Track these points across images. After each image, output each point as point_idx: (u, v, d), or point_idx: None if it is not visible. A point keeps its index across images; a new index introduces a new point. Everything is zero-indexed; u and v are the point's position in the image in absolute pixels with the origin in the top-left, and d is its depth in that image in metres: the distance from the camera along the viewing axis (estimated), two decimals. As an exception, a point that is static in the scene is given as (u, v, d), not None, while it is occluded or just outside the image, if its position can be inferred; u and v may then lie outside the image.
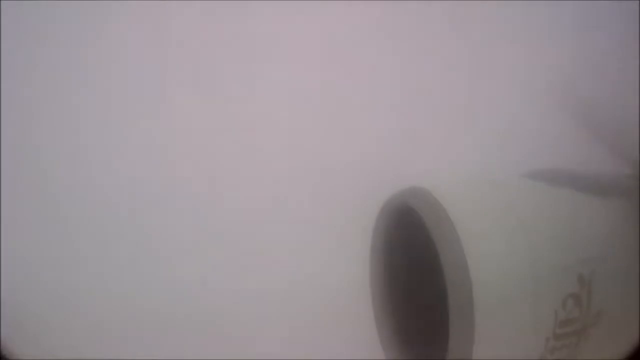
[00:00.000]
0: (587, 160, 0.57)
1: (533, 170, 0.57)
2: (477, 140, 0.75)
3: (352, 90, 0.78)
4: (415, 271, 0.57)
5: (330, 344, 0.71)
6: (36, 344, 0.70)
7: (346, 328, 0.70)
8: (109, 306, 0.75)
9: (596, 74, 0.72)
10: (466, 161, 0.74)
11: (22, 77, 0.78)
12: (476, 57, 0.77)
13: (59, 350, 0.71)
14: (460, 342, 0.50)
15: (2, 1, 0.76)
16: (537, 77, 0.73)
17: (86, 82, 0.80)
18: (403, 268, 0.58)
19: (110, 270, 0.76)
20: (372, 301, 0.60)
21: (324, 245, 0.75)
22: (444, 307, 0.50)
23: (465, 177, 0.56)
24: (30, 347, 0.67)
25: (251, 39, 0.80)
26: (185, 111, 0.80)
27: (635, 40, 0.73)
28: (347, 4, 0.80)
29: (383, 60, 0.79)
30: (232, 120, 0.80)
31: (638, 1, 0.74)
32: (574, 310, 0.52)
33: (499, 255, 0.51)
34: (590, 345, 0.53)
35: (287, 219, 0.77)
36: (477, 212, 0.52)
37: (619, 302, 0.54)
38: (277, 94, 0.80)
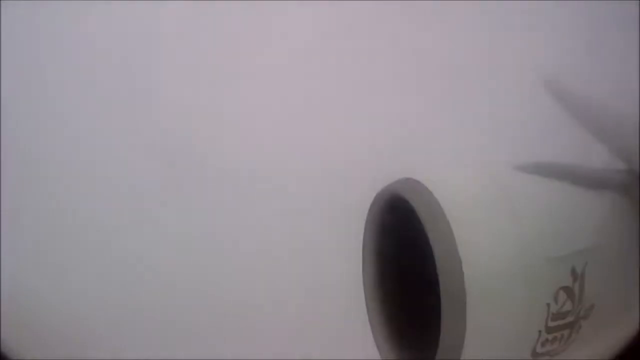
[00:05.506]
0: (582, 153, 0.57)
1: (527, 163, 0.57)
2: (471, 132, 0.75)
3: (349, 83, 0.78)
4: (407, 262, 0.57)
5: (323, 334, 0.71)
6: (36, 344, 0.70)
7: (338, 319, 0.70)
8: (109, 306, 0.75)
9: (594, 68, 0.72)
10: (459, 153, 0.74)
11: (20, 77, 0.78)
12: (472, 50, 0.77)
13: (59, 350, 0.71)
14: (452, 331, 0.50)
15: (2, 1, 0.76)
16: (532, 70, 0.73)
17: (86, 81, 0.80)
18: (395, 258, 0.58)
19: (111, 270, 0.76)
20: (364, 291, 0.60)
21: (316, 236, 0.75)
22: (436, 297, 0.50)
23: (458, 169, 0.56)
24: (30, 347, 0.67)
25: (249, 33, 0.81)
26: (181, 110, 0.80)
27: (635, 37, 0.73)
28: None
29: (379, 55, 0.79)
30: (230, 115, 0.80)
31: (638, 1, 0.74)
32: (566, 303, 0.52)
33: (491, 246, 0.51)
34: (582, 338, 0.53)
35: (283, 211, 0.77)
36: (469, 203, 0.52)
37: (611, 295, 0.54)
38: (274, 88, 0.80)
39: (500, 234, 0.51)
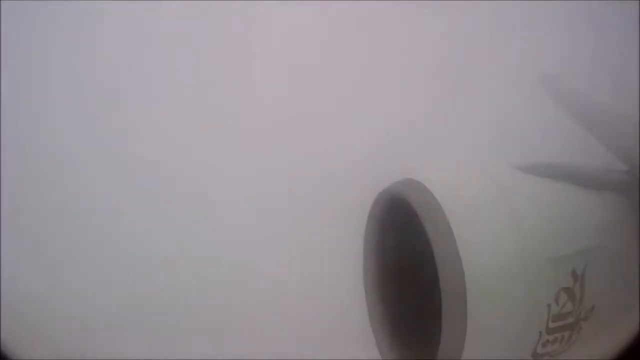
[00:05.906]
0: (582, 154, 0.57)
1: (527, 163, 0.57)
2: (471, 132, 0.75)
3: (350, 84, 0.78)
4: (407, 262, 0.57)
5: (323, 334, 0.71)
6: (36, 344, 0.70)
7: (338, 319, 0.70)
8: (109, 306, 0.75)
9: (594, 68, 0.72)
10: (459, 153, 0.74)
11: (20, 77, 0.78)
12: (472, 50, 0.77)
13: (59, 350, 0.71)
14: (453, 331, 0.49)
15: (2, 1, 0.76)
16: (533, 72, 0.73)
17: (86, 81, 0.80)
18: (395, 258, 0.58)
19: (110, 270, 0.76)
20: (365, 291, 0.60)
21: (316, 236, 0.75)
22: (437, 298, 0.50)
23: (458, 170, 0.56)
24: (30, 347, 0.67)
25: (249, 33, 0.80)
26: (182, 110, 0.80)
27: (635, 39, 0.73)
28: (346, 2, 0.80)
29: (379, 55, 0.79)
30: (230, 115, 0.80)
31: (638, 1, 0.74)
32: (567, 304, 0.52)
33: (491, 246, 0.51)
34: (582, 339, 0.53)
35: (283, 212, 0.77)
36: (469, 203, 0.52)
37: (612, 296, 0.54)
38: (274, 88, 0.80)
39: (500, 234, 0.51)
